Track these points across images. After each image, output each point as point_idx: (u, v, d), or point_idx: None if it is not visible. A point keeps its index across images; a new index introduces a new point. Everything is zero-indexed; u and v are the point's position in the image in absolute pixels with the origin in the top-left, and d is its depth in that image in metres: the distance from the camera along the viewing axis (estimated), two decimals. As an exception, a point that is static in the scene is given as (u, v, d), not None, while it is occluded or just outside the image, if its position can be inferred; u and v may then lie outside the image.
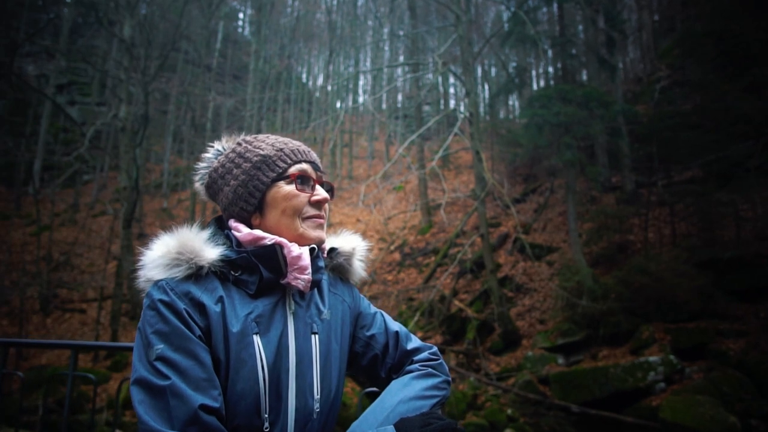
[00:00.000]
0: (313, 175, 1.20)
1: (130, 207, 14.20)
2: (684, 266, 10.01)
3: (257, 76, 23.23)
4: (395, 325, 1.32)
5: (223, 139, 1.26)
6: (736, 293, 9.65)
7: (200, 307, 1.03)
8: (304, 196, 1.15)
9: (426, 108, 27.93)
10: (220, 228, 1.19)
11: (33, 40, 17.59)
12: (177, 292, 1.02)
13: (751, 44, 11.66)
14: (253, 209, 1.16)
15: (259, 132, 24.50)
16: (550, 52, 17.73)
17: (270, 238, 1.11)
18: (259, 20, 22.76)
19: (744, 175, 10.61)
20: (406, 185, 21.79)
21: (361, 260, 1.35)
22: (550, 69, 26.22)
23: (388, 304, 13.65)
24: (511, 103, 32.12)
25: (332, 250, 1.30)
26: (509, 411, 8.69)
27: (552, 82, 23.47)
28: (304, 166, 1.18)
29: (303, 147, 1.22)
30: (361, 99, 36.17)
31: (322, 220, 1.18)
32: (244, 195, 1.15)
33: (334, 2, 30.34)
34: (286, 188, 1.14)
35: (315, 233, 1.16)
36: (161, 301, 1.01)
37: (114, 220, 18.09)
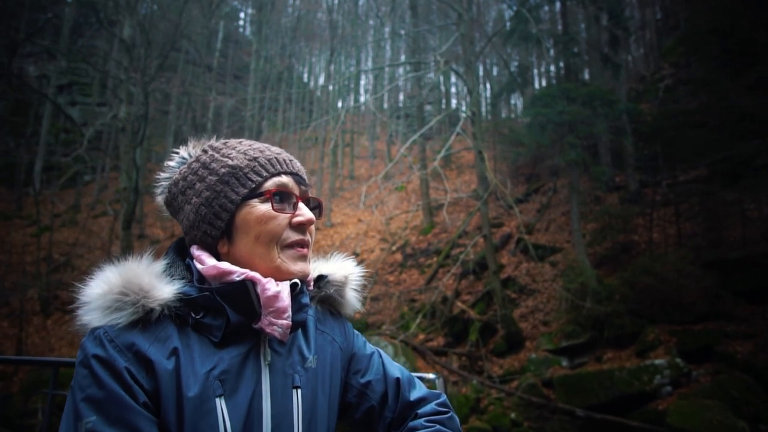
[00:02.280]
0: (296, 190, 0.98)
1: (130, 208, 14.12)
2: (690, 267, 9.87)
3: (258, 75, 23.15)
4: (396, 370, 1.12)
5: (190, 145, 1.03)
6: (742, 294, 9.51)
7: (147, 365, 0.81)
8: (283, 218, 0.93)
9: (427, 107, 27.81)
10: (181, 256, 0.98)
11: (32, 40, 17.51)
12: (118, 344, 0.81)
13: (755, 42, 11.51)
14: (219, 234, 0.94)
15: (259, 133, 24.41)
16: (552, 51, 17.59)
17: (239, 273, 0.89)
18: (260, 20, 22.66)
19: (750, 174, 10.47)
20: (408, 185, 21.67)
21: (355, 290, 1.13)
22: (552, 68, 26.09)
23: (389, 306, 13.54)
24: (512, 101, 31.98)
25: (321, 278, 1.08)
26: (513, 415, 8.57)
27: (554, 81, 23.32)
28: (284, 179, 0.96)
29: (283, 155, 1.00)
30: (362, 98, 36.07)
31: (305, 249, 0.96)
32: (208, 216, 0.93)
33: (335, 1, 30.23)
34: (261, 208, 0.92)
35: (297, 266, 0.94)
36: (96, 357, 0.80)
37: (114, 221, 18.02)
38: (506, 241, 14.91)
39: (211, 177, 0.94)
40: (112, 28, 17.41)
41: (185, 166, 1.00)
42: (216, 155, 0.98)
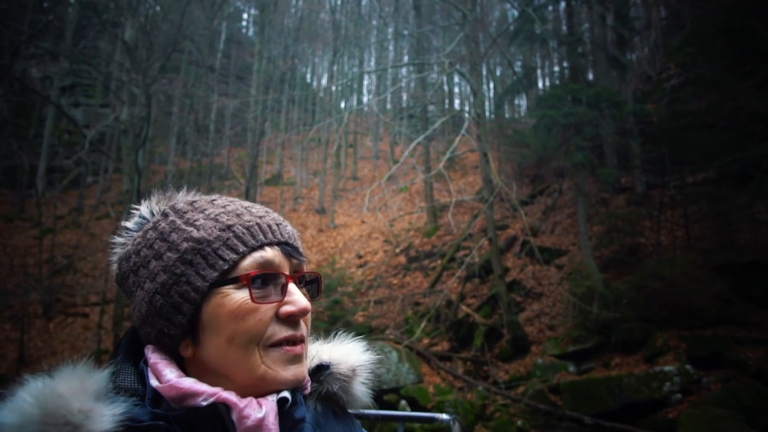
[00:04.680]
0: (285, 266, 0.74)
1: (132, 211, 14.03)
2: (699, 271, 9.70)
3: (261, 76, 23.03)
4: None
5: (154, 199, 0.80)
6: (753, 299, 9.33)
7: None
8: (266, 311, 0.70)
9: (431, 108, 27.67)
10: (134, 356, 0.74)
11: (34, 42, 17.46)
12: None
13: (763, 41, 11.33)
14: (180, 333, 0.70)
15: (262, 134, 24.19)
16: (557, 51, 17.42)
17: (207, 394, 0.66)
18: (263, 20, 22.57)
19: (760, 176, 10.30)
20: (412, 186, 21.53)
21: (365, 383, 0.88)
22: (556, 68, 25.91)
23: (393, 309, 13.41)
24: (516, 102, 31.81)
25: (321, 368, 0.84)
26: (519, 422, 8.42)
27: (558, 82, 23.14)
28: (268, 253, 0.73)
29: (267, 218, 0.76)
30: (365, 99, 35.97)
31: (298, 347, 0.72)
32: (164, 309, 0.69)
33: (338, 2, 30.13)
34: (235, 299, 0.69)
35: (288, 371, 0.71)
36: None
37: (117, 223, 17.95)
38: (511, 243, 14.75)
39: (169, 254, 0.71)
40: (114, 29, 17.35)
41: (140, 233, 0.76)
42: (178, 222, 0.73)
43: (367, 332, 12.63)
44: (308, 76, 39.37)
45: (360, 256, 17.65)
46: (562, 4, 16.82)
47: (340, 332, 0.92)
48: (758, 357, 8.30)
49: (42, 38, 19.53)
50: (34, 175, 21.24)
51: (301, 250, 0.79)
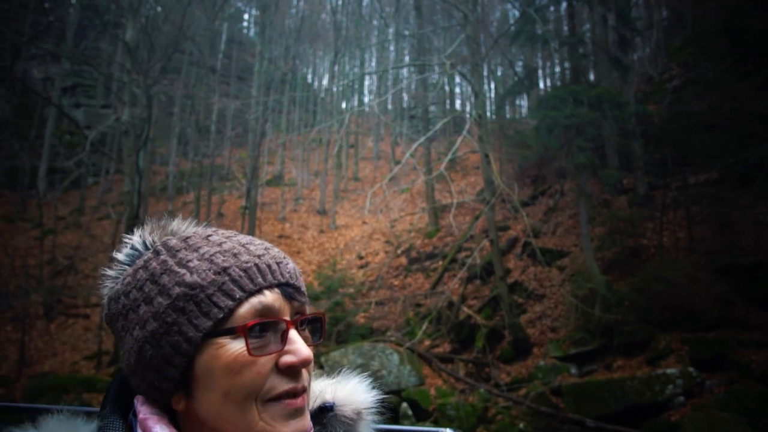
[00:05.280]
0: (286, 310, 0.68)
1: (133, 212, 14.04)
2: (702, 273, 9.67)
3: (262, 77, 23.06)
4: None
5: (147, 228, 0.74)
6: (756, 301, 9.28)
7: None
8: (264, 364, 0.64)
9: (432, 108, 27.64)
10: (123, 407, 0.69)
11: (35, 44, 17.48)
12: None
13: (765, 41, 11.29)
14: (172, 387, 0.65)
15: (263, 135, 24.19)
16: (558, 52, 17.39)
17: None
18: (264, 21, 22.56)
19: (763, 178, 10.26)
20: (413, 187, 21.51)
21: (371, 427, 0.81)
22: (557, 69, 25.86)
23: (394, 310, 13.39)
24: (517, 102, 31.78)
25: (325, 409, 0.78)
26: (521, 425, 8.40)
27: (559, 83, 23.10)
28: (267, 298, 0.66)
29: (267, 257, 0.69)
30: (366, 99, 35.96)
31: (300, 401, 0.66)
32: (155, 361, 0.64)
33: (339, 2, 30.12)
34: (231, 350, 0.63)
35: (289, 427, 0.65)
36: None
37: (118, 224, 17.96)
38: (513, 244, 14.72)
39: (160, 299, 0.64)
40: (115, 30, 17.36)
41: (131, 271, 0.69)
42: (170, 262, 0.66)
43: (368, 334, 12.61)
44: (309, 76, 39.37)
45: (361, 257, 17.63)
46: (564, 5, 16.79)
47: (345, 369, 0.85)
48: (761, 359, 8.26)
49: (43, 39, 19.55)
50: (36, 175, 21.26)
51: (303, 289, 0.73)
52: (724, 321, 9.09)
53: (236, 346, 0.63)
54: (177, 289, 0.64)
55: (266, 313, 0.66)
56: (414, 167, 17.62)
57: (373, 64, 35.85)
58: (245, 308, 0.65)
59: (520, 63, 26.55)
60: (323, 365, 9.93)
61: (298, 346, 0.66)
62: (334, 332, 12.14)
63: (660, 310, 9.57)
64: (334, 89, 29.32)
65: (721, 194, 11.04)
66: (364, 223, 20.07)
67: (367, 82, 35.84)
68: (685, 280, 9.58)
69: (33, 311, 15.23)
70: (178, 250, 0.68)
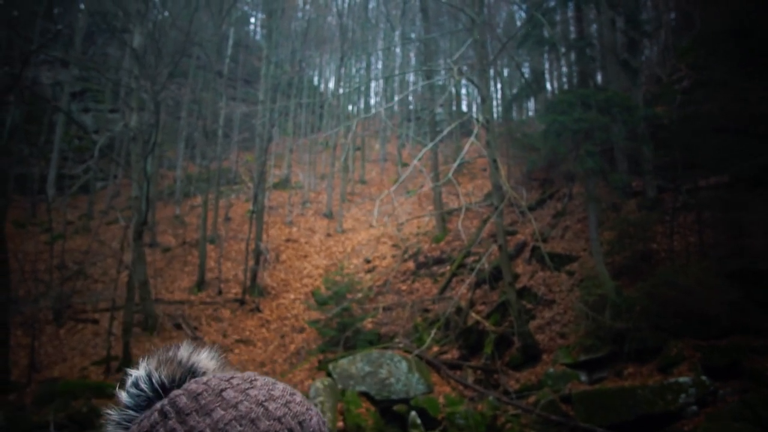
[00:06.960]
0: None
1: (141, 218, 14.10)
2: (713, 278, 9.53)
3: (269, 81, 23.10)
4: None
5: (153, 362, 0.66)
6: (769, 307, 9.14)
7: None
8: None
9: (438, 110, 27.57)
10: None
11: (44, 51, 17.61)
12: None
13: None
14: None
15: (270, 139, 24.17)
16: (565, 56, 17.28)
17: None
18: (270, 25, 22.61)
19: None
20: (420, 189, 21.46)
21: None
22: (564, 69, 25.70)
23: (402, 316, 13.34)
24: (524, 105, 31.61)
25: None
26: (531, 433, 8.32)
27: (567, 86, 22.96)
28: None
29: (288, 419, 0.60)
30: (373, 101, 35.93)
31: None
32: None
33: (345, 6, 30.13)
34: None
35: None
36: None
37: (126, 229, 18.06)
38: (521, 249, 14.62)
39: None
40: (123, 36, 17.45)
41: (135, 430, 0.61)
42: (177, 429, 0.57)
43: (376, 340, 12.57)
44: (316, 79, 39.42)
45: (368, 261, 17.60)
46: (571, 7, 16.66)
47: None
48: (775, 367, 8.14)
49: (52, 46, 19.68)
50: (45, 181, 21.43)
51: None
52: (736, 327, 8.96)
53: None
54: None
55: None
56: (420, 170, 17.57)
57: (380, 66, 35.82)
58: None
59: (526, 65, 26.40)
60: (331, 373, 9.89)
61: None
62: (342, 338, 12.11)
63: (671, 316, 9.44)
64: (341, 91, 29.33)
65: (732, 197, 10.90)
66: (371, 226, 20.04)
67: (373, 84, 35.83)
68: (697, 285, 9.45)
69: (43, 316, 15.31)
70: (188, 414, 0.58)
